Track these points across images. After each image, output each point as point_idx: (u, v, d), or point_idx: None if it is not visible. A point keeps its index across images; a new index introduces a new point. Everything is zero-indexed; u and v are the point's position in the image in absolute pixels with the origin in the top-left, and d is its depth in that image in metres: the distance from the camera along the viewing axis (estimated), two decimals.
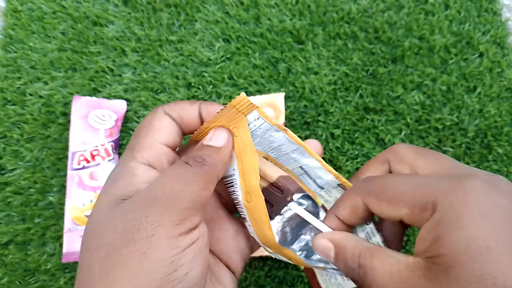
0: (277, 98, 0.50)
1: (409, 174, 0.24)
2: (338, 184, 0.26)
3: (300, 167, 0.26)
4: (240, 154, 0.23)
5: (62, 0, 0.55)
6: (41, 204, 0.48)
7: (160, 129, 0.24)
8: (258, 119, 0.23)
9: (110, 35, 0.54)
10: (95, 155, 0.47)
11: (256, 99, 0.51)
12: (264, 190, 0.26)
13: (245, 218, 0.24)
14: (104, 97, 0.52)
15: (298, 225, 0.27)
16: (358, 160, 0.50)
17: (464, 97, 0.52)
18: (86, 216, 0.46)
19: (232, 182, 0.24)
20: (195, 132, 0.25)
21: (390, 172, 0.25)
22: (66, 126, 0.50)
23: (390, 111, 0.52)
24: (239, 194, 0.24)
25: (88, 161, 0.47)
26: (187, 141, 0.27)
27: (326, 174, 0.26)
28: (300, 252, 0.27)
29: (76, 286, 0.20)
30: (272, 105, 0.50)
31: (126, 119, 0.51)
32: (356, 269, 0.21)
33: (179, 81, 0.53)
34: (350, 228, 0.25)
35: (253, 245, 0.28)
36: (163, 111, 0.24)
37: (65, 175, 0.48)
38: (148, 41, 0.54)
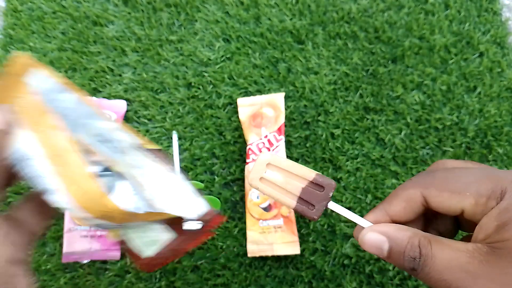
0: (277, 98, 0.50)
1: (473, 167, 0.24)
2: (140, 146, 0.25)
3: (96, 134, 0.25)
4: (35, 122, 0.21)
5: (62, 0, 0.55)
6: None
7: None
8: (42, 80, 0.21)
9: (110, 35, 0.54)
10: None
11: (256, 99, 0.51)
12: (304, 191, 0.26)
13: (47, 189, 0.23)
14: (104, 97, 0.52)
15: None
16: (358, 160, 0.50)
17: (464, 97, 0.52)
18: None
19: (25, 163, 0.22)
20: None
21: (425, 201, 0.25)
22: None
23: (390, 111, 0.52)
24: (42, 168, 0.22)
25: None
26: None
27: (127, 135, 0.25)
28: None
29: None
30: (272, 105, 0.50)
31: (126, 119, 0.51)
32: (417, 259, 0.21)
33: (179, 81, 0.53)
34: None
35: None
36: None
37: None
38: (148, 41, 0.54)
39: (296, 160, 0.50)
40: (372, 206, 0.48)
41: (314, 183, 0.26)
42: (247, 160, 0.48)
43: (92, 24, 0.54)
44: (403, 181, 0.50)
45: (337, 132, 0.51)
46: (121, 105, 0.51)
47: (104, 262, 0.47)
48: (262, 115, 0.50)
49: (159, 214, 0.25)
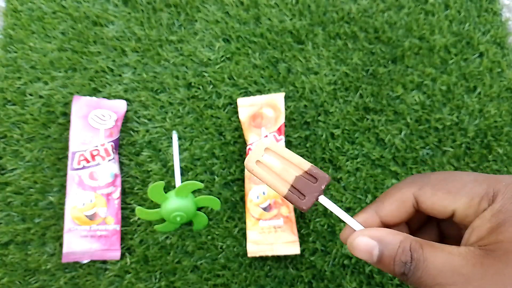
0: (277, 98, 0.50)
1: (467, 171, 0.24)
2: None
3: None
4: None
5: (62, 0, 0.55)
6: (41, 204, 0.48)
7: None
8: None
9: (110, 35, 0.54)
10: (95, 155, 0.47)
11: (256, 99, 0.51)
12: (297, 180, 0.26)
13: None
14: (104, 97, 0.52)
15: None
16: (358, 160, 0.50)
17: (464, 97, 0.52)
18: (86, 216, 0.46)
19: None
20: None
21: (416, 203, 0.24)
22: (66, 126, 0.50)
23: (390, 111, 0.52)
24: None
25: (88, 161, 0.47)
26: None
27: None
28: None
29: None
30: (272, 105, 0.50)
31: (126, 119, 0.51)
32: (408, 263, 0.21)
33: (179, 81, 0.53)
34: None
35: None
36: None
37: (65, 175, 0.48)
38: (148, 41, 0.54)
39: None
40: None
41: (308, 174, 0.26)
42: None
43: (92, 24, 0.54)
44: None
45: (337, 132, 0.51)
46: (121, 105, 0.51)
47: (104, 262, 0.47)
48: (262, 115, 0.50)
49: None
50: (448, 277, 0.20)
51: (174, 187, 0.49)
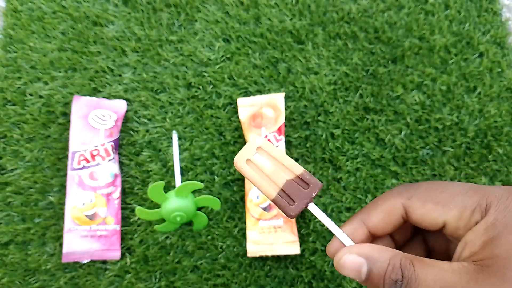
0: (277, 98, 0.50)
1: (458, 182, 0.23)
2: None
3: None
4: None
5: (62, 0, 0.55)
6: (41, 204, 0.48)
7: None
8: None
9: (110, 35, 0.54)
10: (95, 155, 0.47)
11: (256, 99, 0.51)
12: (288, 184, 0.25)
13: None
14: (104, 97, 0.52)
15: None
16: (358, 160, 0.50)
17: (464, 97, 0.52)
18: (86, 216, 0.46)
19: None
20: None
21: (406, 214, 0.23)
22: (66, 126, 0.50)
23: (390, 111, 0.52)
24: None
25: (88, 161, 0.47)
26: None
27: None
28: None
29: None
30: (272, 105, 0.50)
31: (126, 119, 0.51)
32: (399, 281, 0.20)
33: (179, 81, 0.53)
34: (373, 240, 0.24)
35: None
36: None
37: (65, 175, 0.48)
38: (148, 41, 0.54)
39: (296, 160, 0.50)
40: None
41: (300, 179, 0.25)
42: None
43: (92, 24, 0.54)
44: (403, 181, 0.50)
45: (337, 132, 0.51)
46: (121, 105, 0.51)
47: (104, 262, 0.47)
48: (262, 115, 0.50)
49: None
50: None
51: (174, 187, 0.49)
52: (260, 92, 0.52)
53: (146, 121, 0.51)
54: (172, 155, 0.50)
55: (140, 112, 0.52)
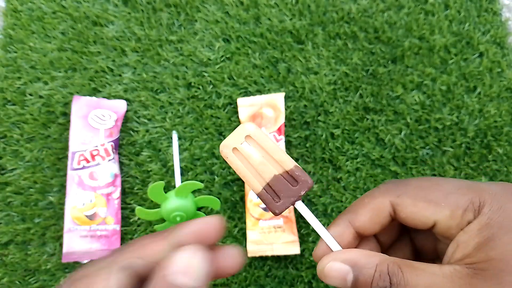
0: (277, 98, 0.50)
1: (450, 178, 0.22)
2: None
3: None
4: None
5: (62, 0, 0.55)
6: (41, 204, 0.48)
7: None
8: None
9: (110, 35, 0.54)
10: (95, 155, 0.47)
11: (256, 99, 0.51)
12: (275, 179, 0.23)
13: None
14: (104, 97, 0.52)
15: None
16: (358, 160, 0.50)
17: (464, 97, 0.52)
18: (86, 216, 0.46)
19: None
20: None
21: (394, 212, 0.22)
22: (66, 126, 0.50)
23: (390, 111, 0.52)
24: None
25: (88, 161, 0.47)
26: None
27: None
28: None
29: None
30: (272, 105, 0.50)
31: (126, 119, 0.51)
32: None
33: (179, 81, 0.53)
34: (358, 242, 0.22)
35: None
36: (120, 268, 0.18)
37: (65, 175, 0.48)
38: (148, 41, 0.54)
39: (296, 160, 0.50)
40: None
41: (289, 174, 0.23)
42: None
43: (92, 24, 0.54)
44: None
45: (337, 132, 0.51)
46: (121, 105, 0.51)
47: None
48: (262, 115, 0.50)
49: None
50: None
51: (174, 187, 0.49)
52: (260, 92, 0.52)
53: (146, 121, 0.51)
54: (172, 155, 0.50)
55: (140, 112, 0.52)
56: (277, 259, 0.47)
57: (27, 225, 0.47)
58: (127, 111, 0.51)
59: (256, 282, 0.47)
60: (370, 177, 0.49)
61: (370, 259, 0.20)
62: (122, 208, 0.48)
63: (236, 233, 0.48)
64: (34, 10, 0.55)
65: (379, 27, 0.55)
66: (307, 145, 0.51)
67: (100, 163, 0.47)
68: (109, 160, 0.47)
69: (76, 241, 0.45)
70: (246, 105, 0.51)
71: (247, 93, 0.52)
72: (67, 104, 0.51)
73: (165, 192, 0.41)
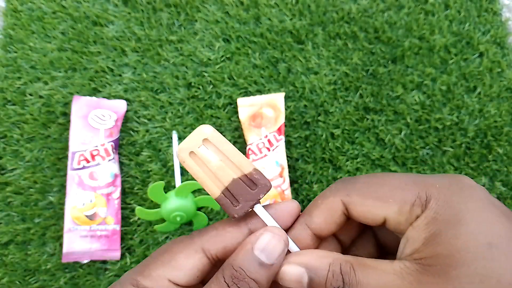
0: (277, 98, 0.50)
1: (397, 172, 0.22)
2: None
3: None
4: None
5: (62, 0, 0.55)
6: (41, 204, 0.48)
7: (181, 268, 0.21)
8: None
9: (110, 35, 0.54)
10: (95, 155, 0.47)
11: (256, 99, 0.51)
12: (234, 183, 0.22)
13: None
14: (104, 97, 0.52)
15: None
16: (358, 160, 0.50)
17: (464, 97, 0.52)
18: (86, 216, 0.46)
19: None
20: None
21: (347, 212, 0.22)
22: (66, 126, 0.50)
23: (390, 111, 0.52)
24: None
25: (88, 161, 0.47)
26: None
27: None
28: None
29: None
30: (272, 105, 0.50)
31: (126, 119, 0.51)
32: None
33: (179, 81, 0.53)
34: (319, 242, 0.23)
35: None
36: (200, 248, 0.21)
37: (65, 175, 0.48)
38: (148, 41, 0.54)
39: (296, 160, 0.50)
40: None
41: (248, 178, 0.23)
42: None
43: (92, 24, 0.54)
44: None
45: (337, 132, 0.51)
46: (121, 105, 0.51)
47: (104, 262, 0.47)
48: (262, 115, 0.50)
49: None
50: None
51: (174, 187, 0.49)
52: (260, 92, 0.52)
53: (146, 121, 0.51)
54: (172, 155, 0.50)
55: (140, 112, 0.52)
56: None
57: (27, 225, 0.47)
58: (127, 111, 0.51)
59: None
60: None
61: (323, 260, 0.20)
62: (122, 208, 0.48)
63: None
64: (34, 10, 0.55)
65: (379, 27, 0.55)
66: (307, 145, 0.51)
67: (100, 163, 0.47)
68: (109, 160, 0.47)
69: (76, 241, 0.45)
70: (246, 105, 0.51)
71: (247, 93, 0.52)
72: (67, 104, 0.51)
73: (165, 192, 0.41)
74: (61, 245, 0.46)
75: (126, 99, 0.52)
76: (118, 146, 0.50)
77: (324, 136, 0.51)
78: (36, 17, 0.54)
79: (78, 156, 0.47)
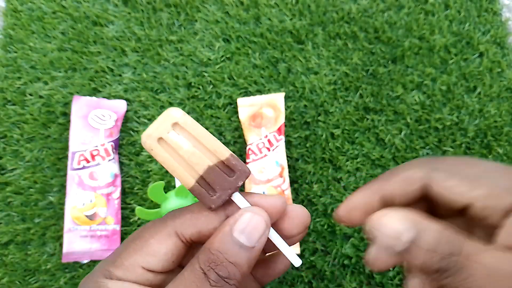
0: (277, 98, 0.50)
1: (487, 160, 0.21)
2: None
3: None
4: None
5: (62, 0, 0.55)
6: (41, 204, 0.48)
7: (154, 254, 0.20)
8: None
9: (110, 35, 0.54)
10: (95, 155, 0.47)
11: (256, 99, 0.51)
12: (209, 170, 0.21)
13: None
14: (104, 97, 0.52)
15: None
16: (358, 160, 0.50)
17: (464, 97, 0.52)
18: (86, 216, 0.46)
19: None
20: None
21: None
22: (66, 126, 0.50)
23: (390, 111, 0.52)
24: None
25: (88, 161, 0.47)
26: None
27: None
28: None
29: None
30: (272, 105, 0.50)
31: (126, 119, 0.51)
32: (454, 258, 0.16)
33: (179, 81, 0.53)
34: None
35: None
36: (173, 231, 0.20)
37: (65, 175, 0.48)
38: (148, 41, 0.54)
39: (296, 160, 0.50)
40: None
41: (225, 164, 0.21)
42: (247, 160, 0.48)
43: (92, 24, 0.54)
44: None
45: (337, 132, 0.51)
46: (121, 105, 0.51)
47: None
48: (262, 115, 0.50)
49: None
50: (500, 285, 0.16)
51: (174, 187, 0.49)
52: (260, 92, 0.52)
53: (146, 121, 0.51)
54: None
55: (140, 112, 0.52)
56: None
57: (27, 225, 0.47)
58: (127, 111, 0.51)
59: None
60: (370, 177, 0.49)
61: (433, 223, 0.17)
62: (122, 208, 0.48)
63: None
64: (34, 10, 0.55)
65: (379, 27, 0.55)
66: (307, 145, 0.51)
67: (100, 163, 0.47)
68: (109, 160, 0.47)
69: (76, 241, 0.45)
70: (246, 105, 0.51)
71: (247, 93, 0.52)
72: (67, 104, 0.51)
73: (165, 192, 0.41)
74: (61, 245, 0.47)
75: (126, 99, 0.52)
76: (118, 146, 0.50)
77: (324, 136, 0.51)
78: (36, 17, 0.54)
79: (78, 156, 0.47)
